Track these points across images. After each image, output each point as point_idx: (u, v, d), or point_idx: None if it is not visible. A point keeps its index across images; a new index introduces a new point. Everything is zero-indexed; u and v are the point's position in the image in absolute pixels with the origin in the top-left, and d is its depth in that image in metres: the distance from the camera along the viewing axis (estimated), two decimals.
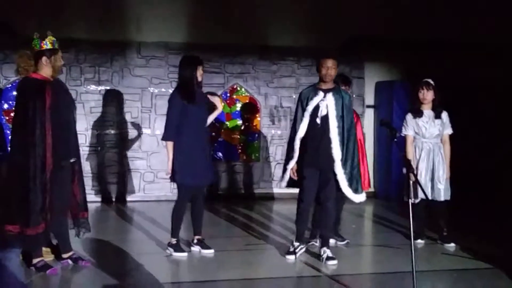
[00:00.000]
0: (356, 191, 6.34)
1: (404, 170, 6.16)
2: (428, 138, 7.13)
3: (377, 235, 8.14)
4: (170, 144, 6.45)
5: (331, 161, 6.20)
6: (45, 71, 5.78)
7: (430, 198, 6.99)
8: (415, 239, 6.87)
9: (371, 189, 10.97)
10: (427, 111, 7.14)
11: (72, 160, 5.96)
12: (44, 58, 5.74)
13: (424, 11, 9.69)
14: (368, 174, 7.44)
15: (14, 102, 5.93)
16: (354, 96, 10.97)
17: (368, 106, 11.25)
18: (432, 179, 7.10)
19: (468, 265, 6.30)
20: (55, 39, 5.84)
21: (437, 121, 7.11)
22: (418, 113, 7.15)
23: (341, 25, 10.20)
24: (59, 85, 5.99)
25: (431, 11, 9.68)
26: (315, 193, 6.36)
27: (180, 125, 6.42)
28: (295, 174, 6.43)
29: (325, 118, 6.20)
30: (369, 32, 10.36)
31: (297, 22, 10.27)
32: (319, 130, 6.22)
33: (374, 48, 10.81)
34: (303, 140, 6.32)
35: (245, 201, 10.23)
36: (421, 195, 6.84)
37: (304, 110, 6.30)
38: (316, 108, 6.23)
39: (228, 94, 10.85)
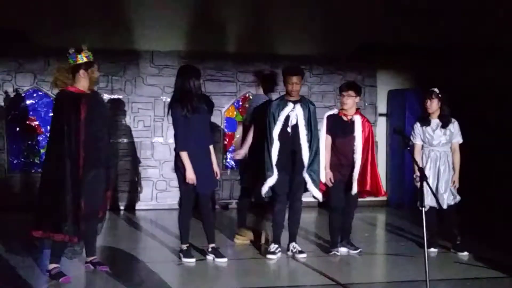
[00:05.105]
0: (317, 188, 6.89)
1: (417, 178, 6.17)
2: (436, 146, 7.13)
3: (390, 244, 8.12)
4: (184, 153, 6.49)
5: (301, 165, 6.75)
6: (82, 84, 5.95)
7: (443, 206, 6.96)
8: (428, 247, 6.84)
9: (383, 197, 10.95)
10: (435, 120, 7.15)
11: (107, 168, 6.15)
12: (81, 71, 5.90)
13: (437, 18, 9.68)
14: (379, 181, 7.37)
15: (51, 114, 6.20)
16: (366, 104, 10.96)
17: (381, 115, 11.22)
18: (437, 187, 7.09)
19: (482, 274, 6.26)
20: (89, 52, 5.98)
21: (444, 130, 7.10)
22: (426, 122, 7.17)
23: (353, 33, 10.21)
24: (95, 97, 6.14)
25: (444, 18, 9.66)
26: (287, 194, 6.87)
27: (185, 134, 6.48)
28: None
29: (295, 127, 6.75)
30: (381, 39, 10.36)
31: (308, 31, 10.28)
32: (290, 138, 6.76)
33: (386, 56, 10.79)
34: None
35: (256, 209, 10.22)
36: (430, 203, 6.84)
37: (276, 121, 6.76)
38: (287, 118, 6.77)
39: (241, 103, 10.87)
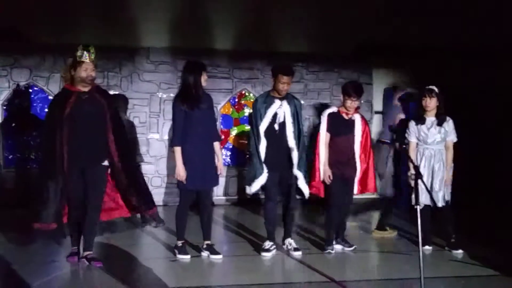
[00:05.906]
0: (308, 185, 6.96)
1: (412, 176, 6.18)
2: (430, 145, 7.14)
3: (384, 241, 8.13)
4: (177, 149, 6.48)
5: (290, 163, 6.76)
6: (76, 81, 6.11)
7: (438, 205, 6.97)
8: (422, 245, 6.85)
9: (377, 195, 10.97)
10: (430, 118, 7.16)
11: (105, 164, 6.21)
12: (71, 70, 6.10)
13: (432, 18, 9.67)
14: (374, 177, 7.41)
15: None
16: (362, 101, 10.93)
17: (376, 112, 11.24)
18: (432, 185, 7.11)
19: (476, 272, 6.27)
20: (83, 50, 6.14)
21: (439, 128, 7.12)
22: (420, 120, 7.19)
23: (349, 31, 10.19)
24: (89, 95, 6.17)
25: (439, 18, 9.66)
26: (278, 192, 6.90)
27: (185, 130, 6.45)
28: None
29: (282, 124, 6.77)
30: (378, 38, 10.35)
31: (305, 28, 10.27)
32: (277, 135, 6.77)
33: (383, 54, 10.80)
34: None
35: (252, 206, 10.23)
36: (425, 201, 6.86)
37: (262, 118, 6.75)
38: (274, 115, 6.76)
39: (236, 100, 10.88)
